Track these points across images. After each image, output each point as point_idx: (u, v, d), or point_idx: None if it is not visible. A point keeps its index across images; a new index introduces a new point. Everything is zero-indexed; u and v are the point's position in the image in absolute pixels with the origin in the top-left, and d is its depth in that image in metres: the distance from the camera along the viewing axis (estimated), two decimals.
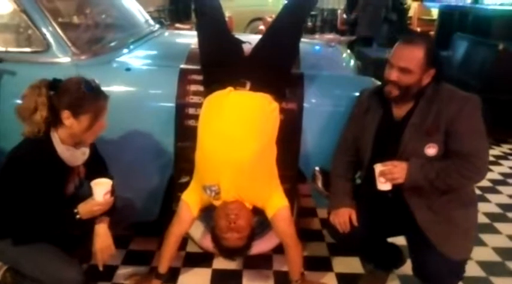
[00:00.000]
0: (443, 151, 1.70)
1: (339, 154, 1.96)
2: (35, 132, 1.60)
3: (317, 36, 3.29)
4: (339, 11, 9.99)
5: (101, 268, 1.75)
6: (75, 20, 2.58)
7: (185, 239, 2.32)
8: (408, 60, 1.66)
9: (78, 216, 1.60)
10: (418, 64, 1.66)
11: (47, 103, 1.57)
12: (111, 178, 1.70)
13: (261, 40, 2.14)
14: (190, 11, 7.98)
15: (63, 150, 1.63)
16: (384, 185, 1.71)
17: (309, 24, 9.09)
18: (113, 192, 1.65)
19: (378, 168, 1.70)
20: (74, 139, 1.66)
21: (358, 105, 1.93)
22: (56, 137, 1.62)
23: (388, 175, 1.69)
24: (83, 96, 1.58)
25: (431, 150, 1.70)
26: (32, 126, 1.59)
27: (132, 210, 2.10)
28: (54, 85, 1.60)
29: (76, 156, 1.69)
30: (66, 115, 1.58)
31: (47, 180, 1.60)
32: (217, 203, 1.87)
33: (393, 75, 1.69)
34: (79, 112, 1.58)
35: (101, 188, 1.61)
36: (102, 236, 1.73)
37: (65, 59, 2.07)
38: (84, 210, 1.60)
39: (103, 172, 1.75)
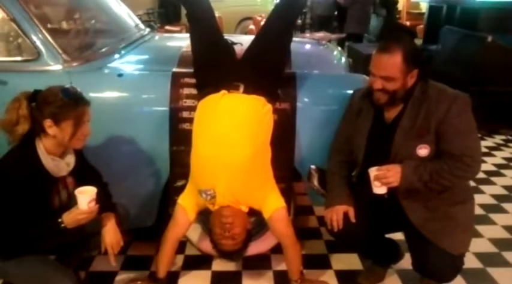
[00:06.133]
0: (435, 151, 1.71)
1: (333, 154, 1.98)
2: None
3: (307, 34, 3.29)
4: None
5: (114, 264, 1.78)
6: (65, 25, 2.56)
7: (184, 242, 2.32)
8: (387, 69, 1.67)
9: (62, 225, 1.58)
10: (398, 70, 1.66)
11: (28, 116, 1.60)
12: (102, 187, 1.68)
13: (253, 42, 2.14)
14: (179, 13, 7.96)
15: (48, 160, 1.63)
16: (379, 189, 1.72)
17: (299, 21, 9.09)
18: (97, 200, 1.62)
19: (373, 172, 1.71)
20: (60, 148, 1.66)
21: (350, 106, 1.94)
22: (41, 147, 1.63)
23: (382, 180, 1.70)
24: (62, 104, 1.59)
25: (423, 151, 1.71)
26: (15, 138, 1.62)
27: (130, 216, 2.09)
28: (34, 97, 1.62)
29: (60, 167, 1.68)
30: (48, 124, 1.59)
31: (32, 192, 1.59)
32: (212, 207, 1.87)
33: (377, 84, 1.70)
34: (60, 120, 1.59)
35: (85, 196, 1.59)
36: (111, 232, 1.76)
37: (56, 67, 2.07)
38: (68, 219, 1.59)
39: (93, 182, 1.72)
